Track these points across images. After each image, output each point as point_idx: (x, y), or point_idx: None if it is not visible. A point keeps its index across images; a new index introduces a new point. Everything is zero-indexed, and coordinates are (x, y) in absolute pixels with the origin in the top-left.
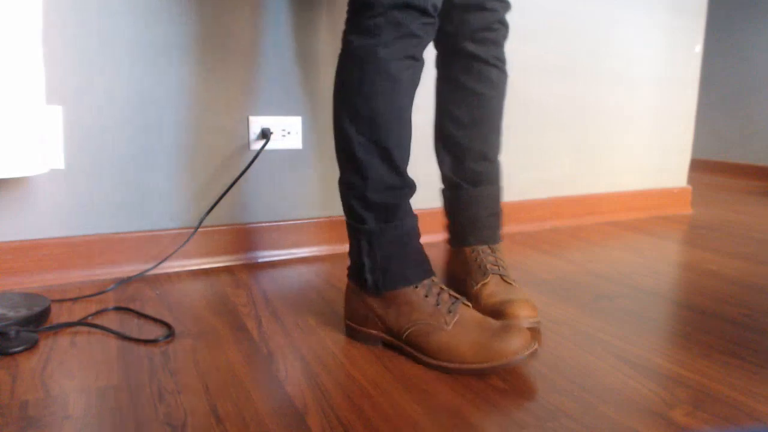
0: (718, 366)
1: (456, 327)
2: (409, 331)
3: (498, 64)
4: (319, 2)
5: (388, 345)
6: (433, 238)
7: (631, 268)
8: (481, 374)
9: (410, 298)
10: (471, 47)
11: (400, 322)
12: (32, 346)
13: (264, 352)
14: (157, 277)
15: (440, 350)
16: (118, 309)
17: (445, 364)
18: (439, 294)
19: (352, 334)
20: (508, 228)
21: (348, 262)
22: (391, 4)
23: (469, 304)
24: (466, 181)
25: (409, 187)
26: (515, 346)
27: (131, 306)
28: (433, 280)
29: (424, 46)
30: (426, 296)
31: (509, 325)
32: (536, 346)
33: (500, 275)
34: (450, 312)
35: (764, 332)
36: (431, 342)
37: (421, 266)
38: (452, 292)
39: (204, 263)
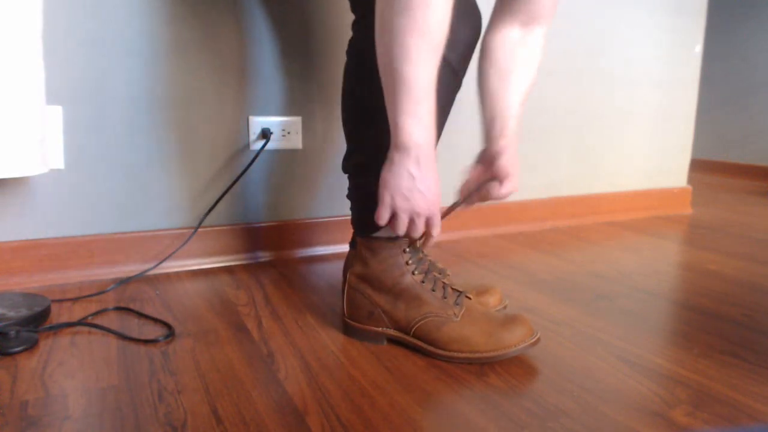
0: (718, 366)
1: (464, 318)
2: (418, 324)
3: None
4: (320, 3)
5: (391, 341)
6: None
7: (631, 268)
8: (488, 363)
9: (418, 292)
10: None
11: (409, 315)
12: (32, 346)
13: (264, 352)
14: (157, 277)
15: (451, 341)
16: (118, 309)
17: (455, 354)
18: (444, 288)
19: (353, 333)
20: (508, 228)
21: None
22: None
23: (471, 296)
24: None
25: None
26: (521, 334)
27: (131, 306)
28: (435, 275)
29: None
30: (433, 290)
31: (513, 315)
32: (539, 335)
33: None
34: (457, 304)
35: (764, 332)
36: (442, 333)
37: None
38: (454, 286)
39: (204, 263)
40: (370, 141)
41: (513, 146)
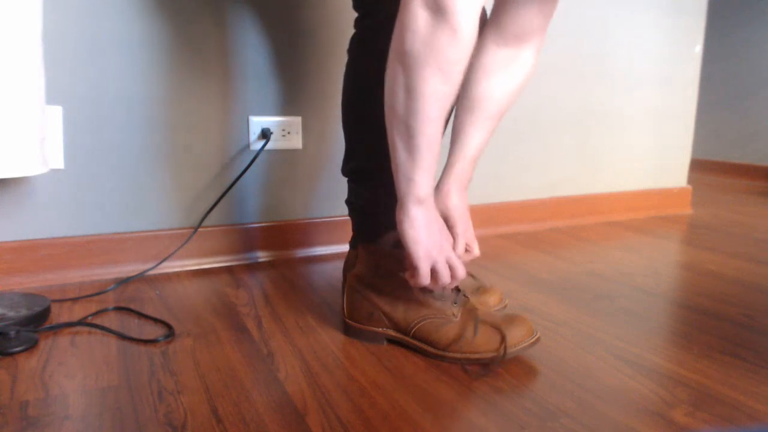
0: (718, 366)
1: (463, 319)
2: (418, 325)
3: None
4: (320, 2)
5: (391, 341)
6: None
7: (631, 268)
8: (488, 363)
9: (417, 293)
10: None
11: (408, 317)
12: (32, 346)
13: (264, 352)
14: (157, 277)
15: (450, 342)
16: (118, 309)
17: (455, 354)
18: (443, 288)
19: (353, 333)
20: (508, 228)
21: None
22: None
23: (469, 296)
24: None
25: None
26: (520, 335)
27: (131, 306)
28: None
29: None
30: (432, 291)
31: (512, 315)
32: (538, 335)
33: None
34: (456, 305)
35: (764, 332)
36: (441, 334)
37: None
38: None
39: (204, 263)
40: (367, 146)
41: (462, 202)
